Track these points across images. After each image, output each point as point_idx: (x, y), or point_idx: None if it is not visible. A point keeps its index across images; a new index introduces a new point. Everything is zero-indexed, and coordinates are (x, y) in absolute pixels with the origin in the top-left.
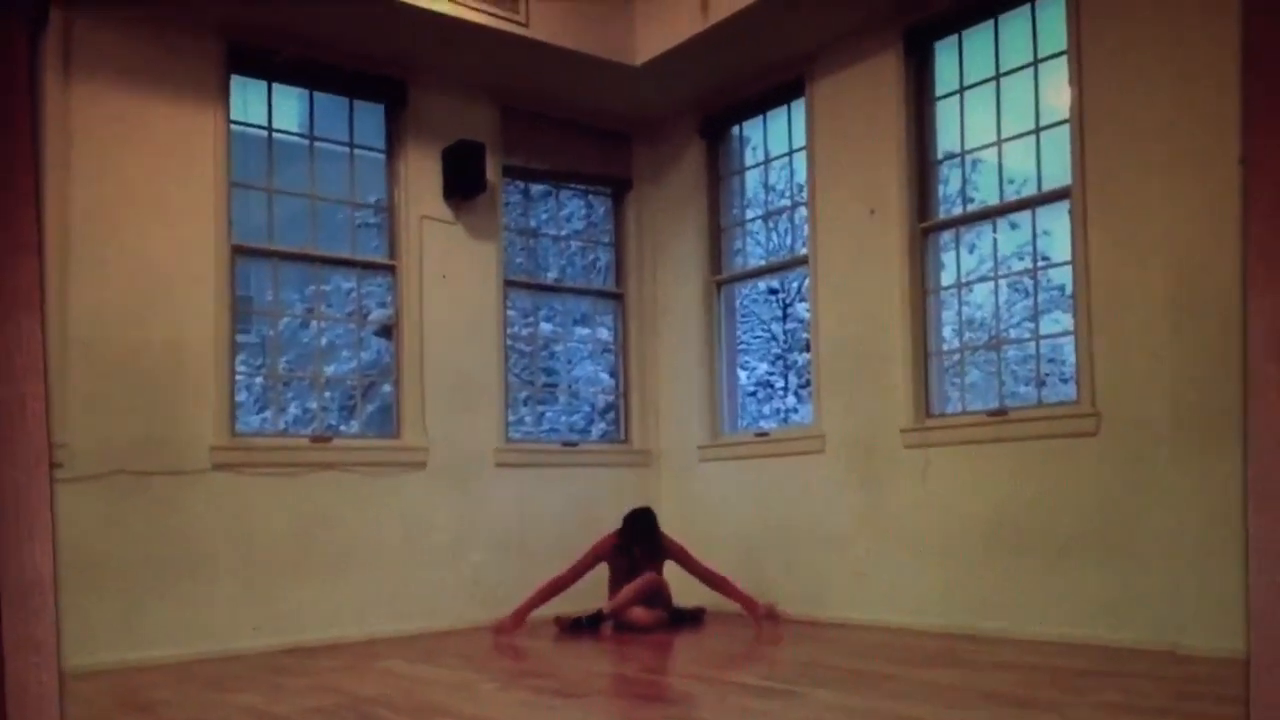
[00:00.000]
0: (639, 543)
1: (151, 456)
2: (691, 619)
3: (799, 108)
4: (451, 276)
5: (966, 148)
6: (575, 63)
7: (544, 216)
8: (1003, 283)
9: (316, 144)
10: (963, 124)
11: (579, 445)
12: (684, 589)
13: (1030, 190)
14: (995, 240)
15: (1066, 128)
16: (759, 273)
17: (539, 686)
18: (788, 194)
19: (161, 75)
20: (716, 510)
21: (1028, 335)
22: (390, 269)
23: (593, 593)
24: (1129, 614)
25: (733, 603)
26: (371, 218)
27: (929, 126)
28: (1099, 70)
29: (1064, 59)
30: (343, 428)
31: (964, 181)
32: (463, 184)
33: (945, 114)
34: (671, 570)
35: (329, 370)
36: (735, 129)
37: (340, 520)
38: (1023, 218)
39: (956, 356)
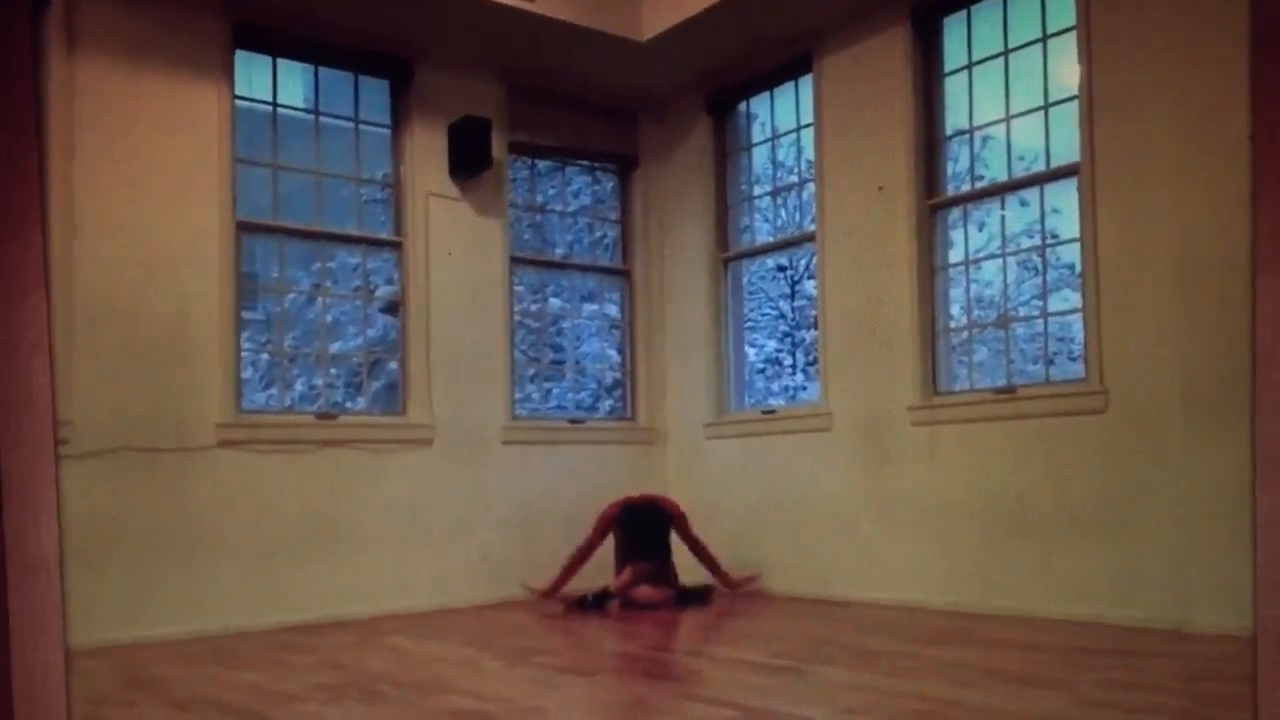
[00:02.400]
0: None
1: (157, 433)
2: (698, 597)
3: (807, 84)
4: (458, 253)
5: (975, 124)
6: (581, 39)
7: (550, 193)
8: (1011, 260)
9: (322, 120)
10: (971, 100)
11: (586, 422)
12: (691, 568)
13: (1039, 167)
14: (1004, 217)
15: (1075, 104)
16: (767, 249)
17: (545, 664)
18: (796, 170)
19: (165, 51)
20: (723, 488)
21: (1036, 313)
22: (396, 245)
23: (599, 570)
24: (1136, 592)
25: (710, 575)
26: (377, 194)
27: (938, 103)
28: (1108, 46)
29: (1073, 35)
30: (349, 404)
31: (972, 158)
32: (469, 160)
33: (954, 90)
34: (677, 548)
35: (335, 347)
36: (742, 105)
37: (346, 497)
38: (1031, 194)
39: (965, 334)
